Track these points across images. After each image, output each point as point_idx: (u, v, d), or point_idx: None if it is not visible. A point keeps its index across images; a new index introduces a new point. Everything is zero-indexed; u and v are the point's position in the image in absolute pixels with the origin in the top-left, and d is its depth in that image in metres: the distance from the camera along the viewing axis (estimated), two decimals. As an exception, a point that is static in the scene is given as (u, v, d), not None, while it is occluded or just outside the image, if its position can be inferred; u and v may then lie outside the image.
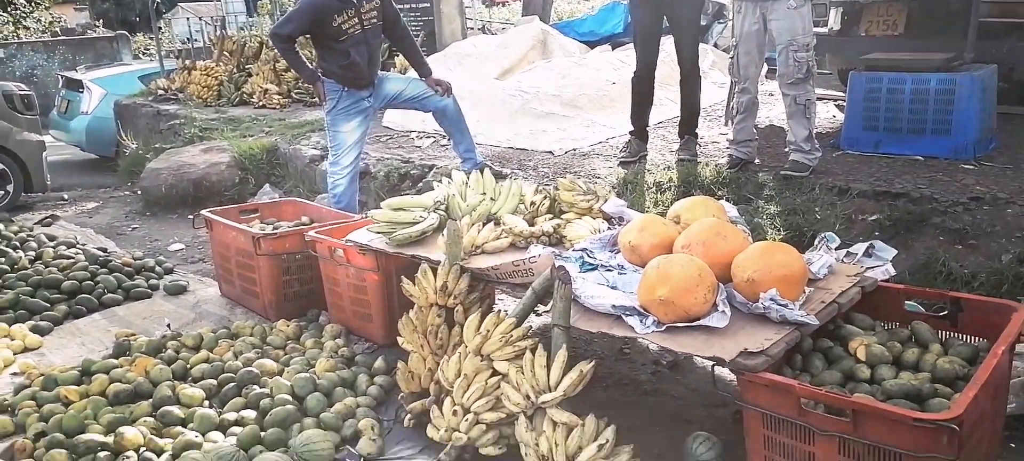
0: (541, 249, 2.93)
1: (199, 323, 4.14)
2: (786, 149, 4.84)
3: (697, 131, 5.46)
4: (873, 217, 4.11)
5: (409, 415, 2.88)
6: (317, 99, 5.26)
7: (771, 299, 2.32)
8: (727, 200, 4.62)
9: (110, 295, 4.39)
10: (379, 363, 3.33)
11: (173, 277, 4.88)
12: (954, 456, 1.88)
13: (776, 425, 2.17)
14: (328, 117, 5.08)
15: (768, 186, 4.64)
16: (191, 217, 6.84)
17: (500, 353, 2.60)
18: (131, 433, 2.65)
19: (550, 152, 5.96)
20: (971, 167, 4.56)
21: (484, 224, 3.40)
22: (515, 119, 6.98)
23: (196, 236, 6.31)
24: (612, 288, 2.66)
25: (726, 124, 5.64)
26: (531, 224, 3.36)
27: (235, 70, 10.82)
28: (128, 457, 2.58)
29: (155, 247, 6.12)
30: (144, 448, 2.64)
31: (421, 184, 5.95)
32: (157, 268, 4.97)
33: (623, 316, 2.44)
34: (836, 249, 3.45)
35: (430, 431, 2.74)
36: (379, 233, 3.45)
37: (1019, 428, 2.59)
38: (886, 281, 2.76)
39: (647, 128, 5.53)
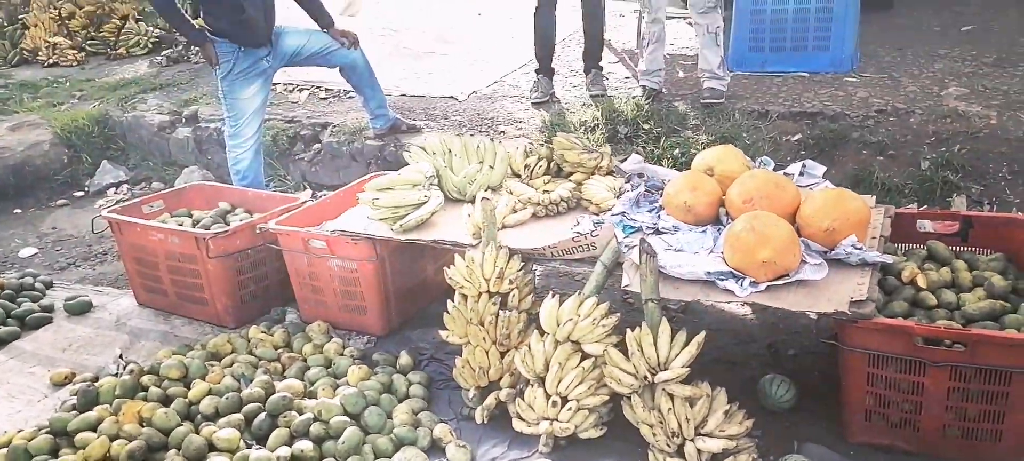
0: (589, 220, 2.87)
1: (140, 345, 3.57)
2: (699, 76, 5.07)
3: (601, 63, 5.53)
4: (796, 137, 4.48)
5: (484, 410, 2.75)
6: (206, 61, 4.58)
7: (852, 245, 2.49)
8: (653, 132, 4.80)
9: (2, 328, 3.64)
10: (405, 359, 3.11)
11: (64, 292, 4.13)
12: (1053, 365, 2.19)
13: (882, 362, 2.36)
14: (223, 83, 4.47)
15: (691, 116, 4.86)
16: (18, 211, 5.83)
17: (590, 336, 2.54)
18: (197, 502, 2.27)
19: (453, 97, 5.75)
20: (854, 79, 5.10)
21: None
22: (390, 62, 6.64)
23: (44, 235, 5.37)
24: (678, 251, 2.69)
25: (637, 51, 5.72)
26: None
27: (4, 22, 9.11)
28: (205, 531, 2.22)
29: (-3, 257, 5.11)
30: (214, 515, 2.29)
31: (318, 145, 5.51)
32: (36, 283, 4.17)
33: (717, 281, 2.49)
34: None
35: (517, 425, 2.65)
36: (381, 219, 3.16)
37: None
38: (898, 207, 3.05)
39: (552, 66, 5.50)
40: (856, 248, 2.49)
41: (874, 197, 3.05)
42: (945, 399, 2.31)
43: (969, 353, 2.22)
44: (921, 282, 2.60)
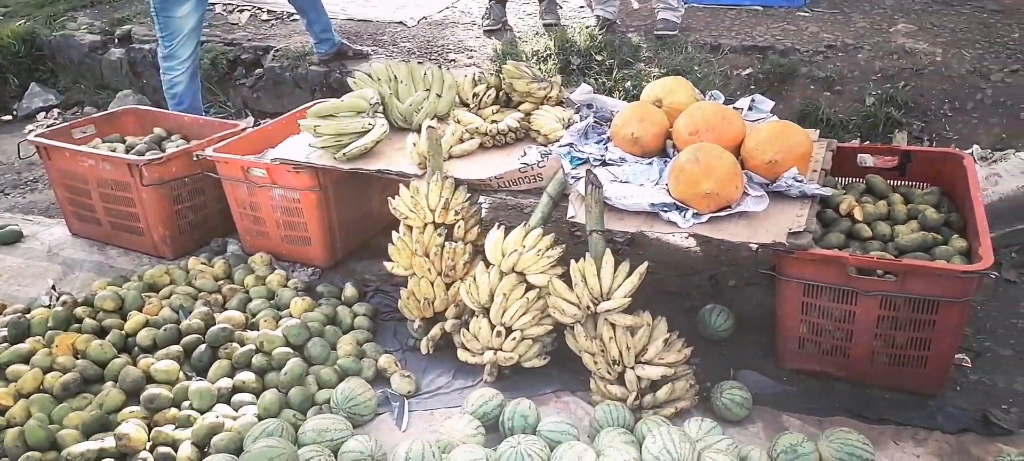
0: (536, 151, 2.84)
1: (73, 276, 3.46)
2: (653, 6, 5.01)
3: (556, -9, 5.41)
4: (746, 71, 4.49)
5: (429, 341, 2.75)
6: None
7: (793, 178, 2.51)
8: (606, 63, 4.76)
9: (-76, 258, 3.48)
10: (350, 291, 3.08)
11: (-9, 221, 3.97)
12: (974, 294, 2.27)
13: (816, 292, 2.42)
14: (155, 1, 4.24)
15: (644, 48, 4.82)
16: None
17: (535, 266, 2.54)
18: (134, 430, 2.23)
19: (401, 23, 5.58)
20: (806, 13, 5.10)
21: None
22: (337, -16, 6.36)
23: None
24: (624, 182, 2.69)
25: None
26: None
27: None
28: (143, 460, 2.19)
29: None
30: (153, 444, 2.25)
31: (260, 70, 5.32)
32: (-40, 212, 3.99)
33: (661, 213, 2.49)
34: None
35: (462, 354, 2.66)
36: (323, 147, 3.07)
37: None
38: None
39: (506, -9, 5.37)
40: (797, 180, 2.52)
41: (817, 131, 3.07)
42: (875, 327, 2.38)
43: (899, 283, 2.28)
44: (858, 214, 2.65)
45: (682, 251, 3.46)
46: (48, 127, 5.29)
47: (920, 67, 4.18)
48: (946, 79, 4.08)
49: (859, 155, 2.99)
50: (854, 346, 2.45)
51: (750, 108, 3.32)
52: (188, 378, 2.59)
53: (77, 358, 2.64)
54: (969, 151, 3.46)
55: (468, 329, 2.65)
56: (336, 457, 2.19)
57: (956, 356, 2.54)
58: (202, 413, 2.41)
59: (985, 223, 2.38)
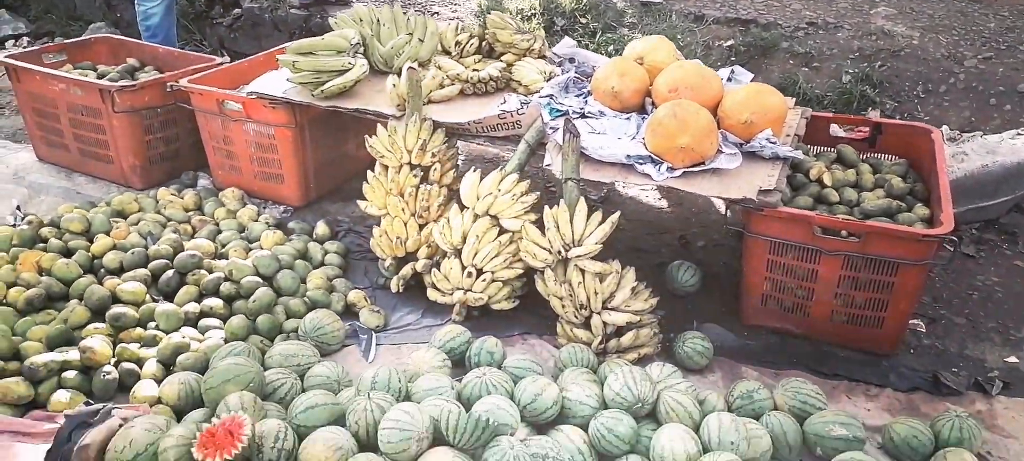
0: (516, 99, 2.84)
1: (39, 199, 3.41)
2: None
3: (541, -48, 5.38)
4: (728, 43, 4.52)
5: (400, 279, 2.76)
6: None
7: (767, 139, 2.55)
8: (590, 27, 4.76)
9: None
10: (322, 229, 3.08)
11: (-45, 142, 3.88)
12: (932, 258, 2.34)
13: (781, 250, 2.47)
14: (134, -70, 4.16)
15: (628, 13, 4.82)
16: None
17: (509, 211, 2.56)
18: (99, 345, 2.22)
19: (385, -27, 5.50)
20: (789, -10, 5.13)
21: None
22: (322, -69, 6.26)
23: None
24: (602, 134, 2.71)
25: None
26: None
27: None
28: (107, 373, 2.18)
29: None
30: (117, 359, 2.25)
31: (238, 10, 5.24)
32: (-77, 131, 3.89)
33: (636, 165, 2.52)
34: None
35: (432, 294, 2.67)
36: (301, 83, 3.05)
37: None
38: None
39: (491, -52, 5.33)
40: (770, 141, 2.56)
41: (794, 99, 3.11)
42: (836, 287, 2.45)
43: (862, 244, 2.34)
44: (827, 180, 2.71)
45: (654, 211, 3.50)
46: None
47: (897, 49, 4.25)
48: (921, 62, 4.15)
49: (831, 125, 3.04)
50: (814, 305, 2.51)
51: (729, 79, 3.33)
52: (155, 301, 2.58)
53: (42, 275, 2.61)
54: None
55: (439, 270, 2.66)
56: (302, 381, 2.20)
57: (912, 322, 2.61)
58: (168, 333, 2.40)
59: (948, 192, 2.44)
